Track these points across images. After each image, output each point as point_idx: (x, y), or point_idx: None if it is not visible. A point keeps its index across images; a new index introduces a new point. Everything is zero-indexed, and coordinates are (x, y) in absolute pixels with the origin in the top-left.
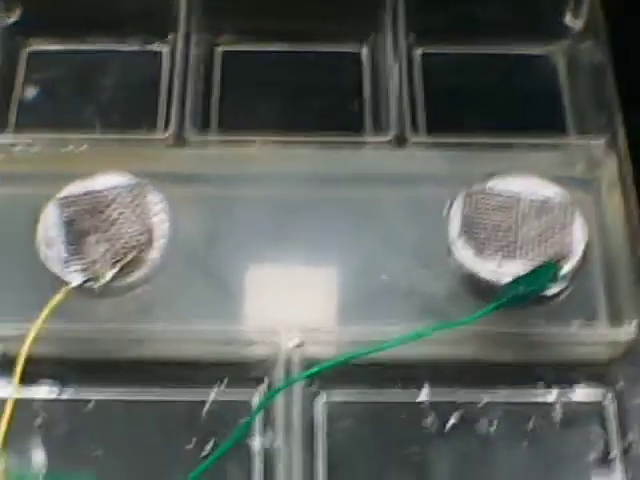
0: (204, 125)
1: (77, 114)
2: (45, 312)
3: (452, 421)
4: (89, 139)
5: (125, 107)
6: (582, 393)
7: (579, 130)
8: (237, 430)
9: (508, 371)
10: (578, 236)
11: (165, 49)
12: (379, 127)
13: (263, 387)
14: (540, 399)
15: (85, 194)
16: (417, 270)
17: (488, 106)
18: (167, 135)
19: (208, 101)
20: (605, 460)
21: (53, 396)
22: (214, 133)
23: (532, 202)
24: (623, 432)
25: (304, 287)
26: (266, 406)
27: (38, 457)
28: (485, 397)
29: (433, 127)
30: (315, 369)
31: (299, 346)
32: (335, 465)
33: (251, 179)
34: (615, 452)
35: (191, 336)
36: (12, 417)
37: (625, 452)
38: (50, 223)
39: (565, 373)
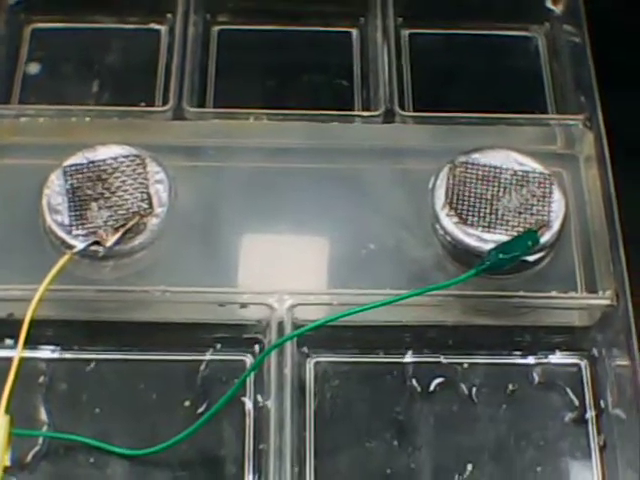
0: (201, 100)
1: (78, 89)
2: (50, 275)
3: (435, 382)
4: (91, 111)
5: (124, 82)
6: (559, 357)
7: (559, 108)
8: (233, 388)
9: (489, 335)
10: (556, 208)
11: (164, 28)
12: (368, 104)
13: (256, 348)
14: (519, 362)
15: (88, 164)
16: (403, 239)
17: (472, 84)
18: (166, 109)
19: (205, 78)
20: (580, 420)
21: (56, 356)
22: (210, 108)
23: (513, 175)
24: (597, 394)
25: (296, 254)
26: (260, 364)
27: (40, 415)
28: (467, 360)
29: (419, 104)
30: (304, 328)
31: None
32: (324, 422)
33: (246, 151)
34: (590, 413)
35: (188, 298)
36: (17, 376)
37: (599, 413)
38: (55, 191)
39: (543, 338)
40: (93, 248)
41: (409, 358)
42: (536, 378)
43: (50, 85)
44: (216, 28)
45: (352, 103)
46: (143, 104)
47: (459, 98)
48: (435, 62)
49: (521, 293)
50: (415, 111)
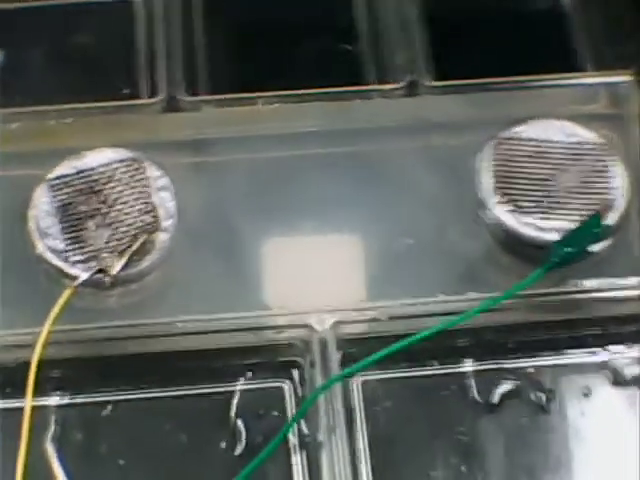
0: (192, 82)
1: (48, 79)
2: (53, 314)
3: (499, 391)
4: (72, 110)
5: (101, 67)
6: (632, 350)
7: (592, 57)
8: (275, 440)
9: (554, 333)
10: (619, 183)
11: None
12: (381, 71)
13: (295, 373)
14: (590, 359)
15: (77, 174)
16: (446, 230)
17: (494, 40)
18: (157, 100)
19: (193, 53)
20: None
21: (65, 402)
22: (204, 89)
23: (565, 147)
24: None
25: (327, 258)
26: (306, 411)
27: (56, 473)
28: (533, 362)
29: (439, 66)
30: (358, 365)
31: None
32: (379, 451)
33: (257, 141)
34: None
35: (215, 327)
36: (29, 440)
37: None
38: (42, 210)
39: (612, 329)
40: (96, 278)
41: (468, 367)
42: (611, 376)
43: (15, 76)
44: None
45: (362, 71)
46: (127, 91)
47: (482, 57)
48: (449, 12)
49: (585, 287)
50: (437, 74)
